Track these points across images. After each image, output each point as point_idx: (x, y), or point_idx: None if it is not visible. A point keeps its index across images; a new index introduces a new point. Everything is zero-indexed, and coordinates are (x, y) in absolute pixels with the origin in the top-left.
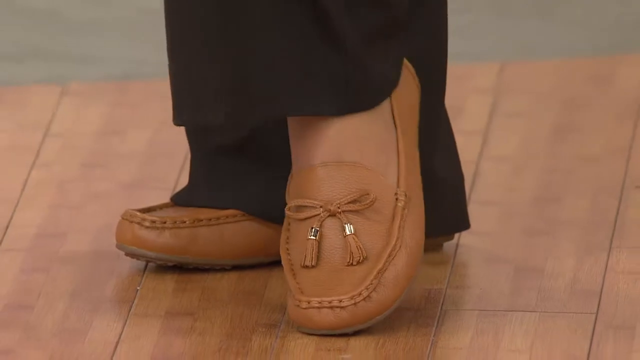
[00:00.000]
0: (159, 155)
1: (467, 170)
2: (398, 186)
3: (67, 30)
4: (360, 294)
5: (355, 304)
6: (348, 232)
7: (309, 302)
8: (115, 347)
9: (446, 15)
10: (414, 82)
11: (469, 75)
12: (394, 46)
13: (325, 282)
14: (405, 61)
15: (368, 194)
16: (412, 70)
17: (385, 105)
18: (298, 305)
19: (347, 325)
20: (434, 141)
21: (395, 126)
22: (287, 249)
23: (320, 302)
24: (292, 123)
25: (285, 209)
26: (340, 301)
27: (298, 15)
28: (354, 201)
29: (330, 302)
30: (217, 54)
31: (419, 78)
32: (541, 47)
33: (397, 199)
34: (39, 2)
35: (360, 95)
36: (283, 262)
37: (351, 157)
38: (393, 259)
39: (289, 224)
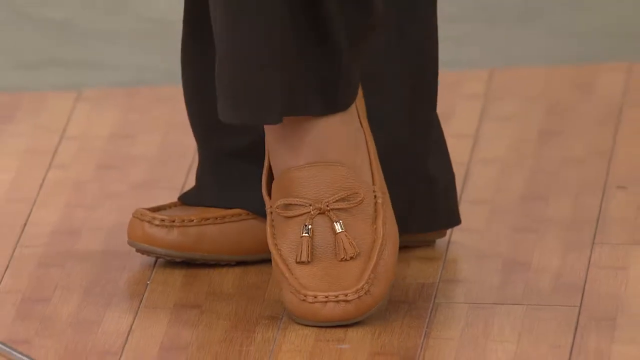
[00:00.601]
0: (168, 157)
1: (458, 171)
2: (373, 184)
3: (82, 40)
4: (362, 288)
5: (359, 297)
6: (339, 230)
7: (315, 297)
8: (127, 337)
9: (436, 25)
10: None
11: (459, 82)
12: (366, 50)
13: (324, 277)
14: None
15: (357, 193)
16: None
17: (353, 106)
18: (304, 300)
19: (352, 318)
20: (428, 144)
21: (362, 126)
22: (276, 244)
23: (327, 297)
24: (267, 132)
25: (271, 206)
26: (346, 295)
27: (302, 17)
28: (342, 199)
29: (337, 297)
30: (274, 58)
31: (410, 85)
32: (527, 55)
33: (375, 196)
34: (55, 13)
35: (343, 95)
36: (274, 257)
37: (334, 157)
38: (382, 253)
39: (273, 220)
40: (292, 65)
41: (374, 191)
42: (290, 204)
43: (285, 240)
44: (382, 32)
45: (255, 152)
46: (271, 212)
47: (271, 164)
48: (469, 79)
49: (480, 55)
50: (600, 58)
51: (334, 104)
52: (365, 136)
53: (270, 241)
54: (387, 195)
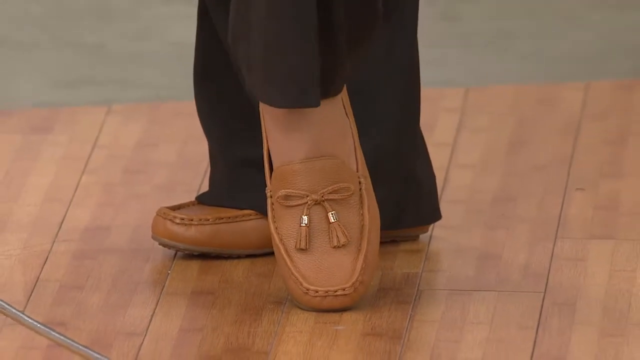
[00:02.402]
0: (186, 163)
1: (438, 175)
2: (358, 170)
3: (112, 62)
4: (357, 280)
5: (354, 290)
6: (333, 220)
7: (316, 292)
8: (150, 320)
9: (417, 49)
10: None
11: (439, 98)
12: (366, 46)
13: (321, 269)
14: None
15: (349, 187)
16: None
17: (339, 96)
18: (306, 293)
19: (346, 307)
20: (414, 149)
21: (347, 115)
22: (277, 228)
23: (326, 292)
24: (269, 120)
25: (272, 196)
26: (344, 289)
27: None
28: (334, 191)
29: (335, 291)
30: (312, 48)
31: (399, 98)
32: (498, 76)
33: (360, 182)
34: (88, 38)
35: (337, 84)
36: (275, 242)
37: (328, 149)
38: (369, 240)
39: (272, 203)
40: (318, 55)
41: (358, 177)
42: (290, 195)
43: (284, 226)
44: (381, 36)
45: (258, 160)
46: (271, 196)
47: (270, 151)
48: (448, 95)
49: (458, 75)
50: (561, 78)
51: (325, 93)
52: (350, 124)
53: (271, 225)
54: (369, 178)
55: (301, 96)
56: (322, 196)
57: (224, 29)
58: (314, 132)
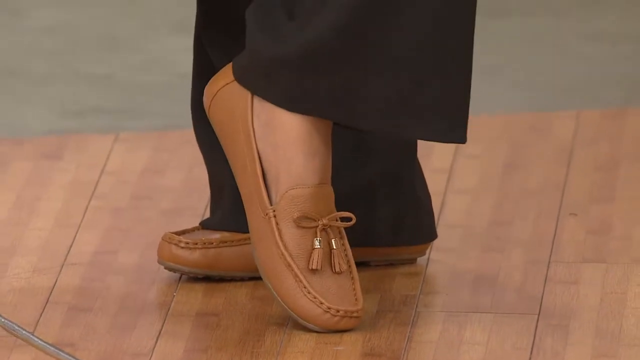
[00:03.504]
0: (191, 189)
1: (435, 200)
2: None
3: (119, 91)
4: (362, 306)
5: (360, 314)
6: (334, 247)
7: (337, 311)
8: (156, 340)
9: None
10: None
11: None
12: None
13: (335, 291)
14: None
15: (351, 217)
16: None
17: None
18: (327, 312)
19: (353, 328)
20: (413, 172)
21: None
22: (285, 246)
23: (345, 312)
24: (286, 140)
25: (277, 215)
26: (358, 312)
27: None
28: (338, 219)
29: (352, 313)
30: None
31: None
32: (493, 104)
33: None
34: (98, 68)
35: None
36: (285, 261)
37: (329, 179)
38: (355, 270)
39: (277, 223)
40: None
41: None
42: (305, 217)
43: (296, 246)
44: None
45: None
46: (275, 216)
47: (278, 170)
48: None
49: None
50: (553, 107)
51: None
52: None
53: (279, 244)
54: None
55: (462, 131)
56: (329, 222)
57: (220, 64)
58: (327, 159)
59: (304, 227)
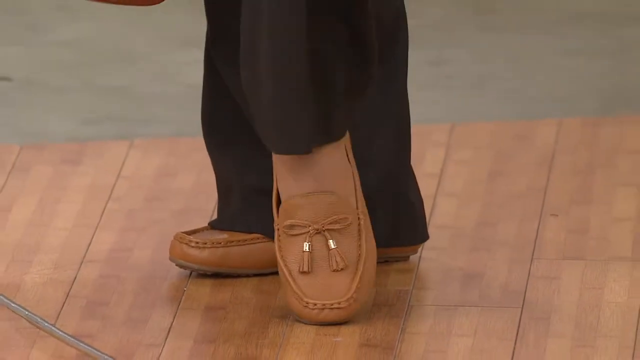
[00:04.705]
0: (201, 192)
1: (427, 203)
2: (357, 208)
3: (135, 101)
4: (352, 296)
5: (349, 304)
6: (332, 246)
7: (315, 304)
8: (168, 332)
9: (407, 95)
10: None
11: (427, 133)
12: (363, 95)
13: (320, 287)
14: None
15: (347, 218)
16: None
17: (343, 145)
18: (306, 306)
19: (343, 320)
20: (408, 178)
21: (350, 162)
22: (282, 256)
23: (323, 305)
24: (277, 160)
25: (278, 226)
26: (339, 303)
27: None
28: (334, 222)
29: (331, 305)
30: (307, 102)
31: (394, 135)
32: (480, 113)
33: (359, 218)
34: (114, 80)
35: (335, 132)
36: (280, 266)
37: (328, 186)
38: (365, 265)
39: (280, 236)
40: (313, 106)
41: (358, 214)
42: (294, 225)
43: (290, 254)
44: (374, 84)
45: (270, 190)
46: (278, 229)
47: (279, 189)
48: (435, 131)
49: (443, 113)
50: (536, 116)
51: (328, 138)
52: (352, 169)
53: (277, 253)
54: (368, 216)
55: (292, 144)
56: (323, 226)
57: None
58: (317, 171)
59: (294, 235)
